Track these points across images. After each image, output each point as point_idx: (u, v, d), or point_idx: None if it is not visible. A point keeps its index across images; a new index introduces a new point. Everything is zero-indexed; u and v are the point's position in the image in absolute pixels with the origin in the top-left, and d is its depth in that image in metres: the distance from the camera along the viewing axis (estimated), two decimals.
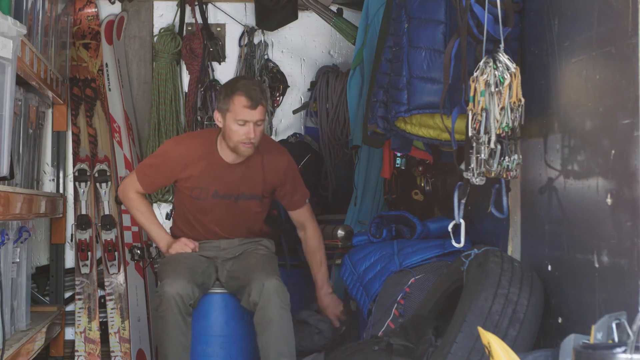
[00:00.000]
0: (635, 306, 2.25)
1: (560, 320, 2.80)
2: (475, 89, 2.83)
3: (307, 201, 4.21)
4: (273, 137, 5.37)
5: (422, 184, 4.35)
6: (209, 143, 4.01)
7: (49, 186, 5.23)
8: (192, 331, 3.84)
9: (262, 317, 3.74)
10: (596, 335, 2.14)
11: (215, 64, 5.43)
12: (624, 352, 2.04)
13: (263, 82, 5.34)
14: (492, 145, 2.82)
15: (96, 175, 5.17)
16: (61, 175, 5.24)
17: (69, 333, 5.22)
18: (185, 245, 4.02)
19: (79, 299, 5.12)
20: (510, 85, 2.80)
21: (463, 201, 3.06)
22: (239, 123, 3.82)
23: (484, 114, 2.82)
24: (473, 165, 2.87)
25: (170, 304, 3.73)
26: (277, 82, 5.40)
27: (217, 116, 3.92)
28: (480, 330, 2.33)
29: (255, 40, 5.44)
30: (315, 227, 4.21)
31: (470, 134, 2.85)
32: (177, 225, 4.19)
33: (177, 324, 3.75)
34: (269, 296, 3.72)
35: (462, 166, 2.97)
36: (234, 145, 3.89)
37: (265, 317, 3.73)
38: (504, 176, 2.88)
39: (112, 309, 5.12)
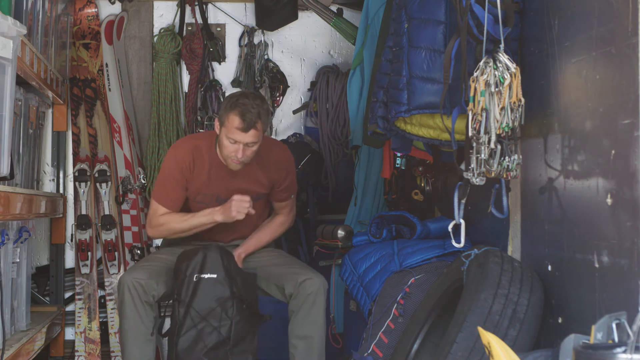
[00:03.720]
0: (635, 306, 2.25)
1: (560, 320, 2.80)
2: (475, 89, 2.83)
3: (292, 196, 4.19)
4: (273, 137, 5.36)
5: (422, 184, 4.35)
6: (209, 145, 3.99)
7: (49, 186, 5.24)
8: None
9: (295, 305, 3.81)
10: (596, 335, 2.14)
11: (215, 64, 5.43)
12: (624, 352, 2.04)
13: (263, 82, 5.35)
14: (492, 145, 2.82)
15: (96, 175, 5.17)
16: (61, 175, 5.24)
17: (69, 333, 5.22)
18: (241, 202, 3.85)
19: (79, 299, 5.12)
20: (510, 85, 2.80)
21: (463, 201, 3.06)
22: (230, 141, 3.80)
23: (484, 114, 2.81)
24: (473, 165, 2.87)
25: (126, 288, 3.73)
26: (277, 82, 5.40)
27: (216, 124, 3.89)
28: (480, 330, 2.33)
29: (255, 40, 5.44)
30: (287, 221, 4.17)
31: (470, 134, 2.85)
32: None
33: (135, 310, 3.73)
34: (314, 290, 3.78)
35: (462, 166, 2.97)
36: (224, 157, 3.89)
37: (297, 305, 3.80)
38: (504, 176, 2.87)
39: (112, 309, 5.12)
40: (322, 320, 3.83)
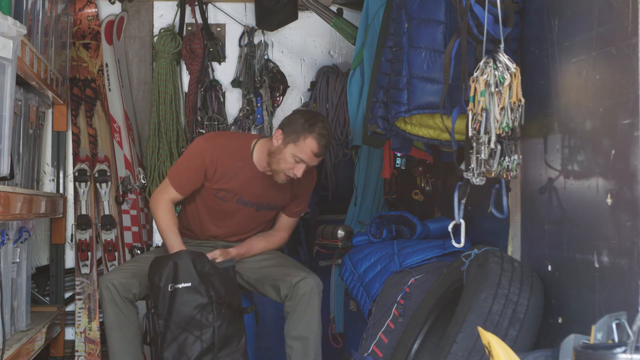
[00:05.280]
0: (635, 306, 2.25)
1: (560, 320, 2.80)
2: (475, 89, 2.83)
3: (301, 214, 4.27)
4: None
5: (422, 184, 4.36)
6: (243, 147, 4.00)
7: (49, 186, 5.24)
8: None
9: (290, 306, 3.82)
10: (596, 335, 2.14)
11: (215, 64, 5.43)
12: (624, 352, 2.04)
13: (263, 82, 5.35)
14: (492, 145, 2.82)
15: (96, 175, 5.17)
16: (61, 175, 5.24)
17: (69, 333, 5.22)
18: None
19: (79, 299, 5.12)
20: (510, 86, 2.80)
21: (463, 201, 3.06)
22: (296, 159, 3.83)
23: (484, 114, 2.81)
24: (473, 165, 2.87)
25: (104, 287, 3.78)
26: (277, 82, 5.40)
27: (279, 135, 3.87)
28: (480, 330, 2.32)
29: (255, 41, 5.44)
30: (285, 238, 4.22)
31: (470, 134, 2.84)
32: (180, 220, 4.18)
33: (115, 305, 3.78)
34: (308, 290, 3.80)
35: (462, 166, 2.97)
36: (276, 169, 3.88)
37: (292, 306, 3.81)
38: (504, 176, 2.87)
39: None
40: (318, 321, 3.82)
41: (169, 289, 3.70)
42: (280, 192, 4.04)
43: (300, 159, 3.82)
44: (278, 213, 4.19)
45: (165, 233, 3.97)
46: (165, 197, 4.00)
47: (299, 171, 3.84)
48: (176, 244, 3.92)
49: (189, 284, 3.69)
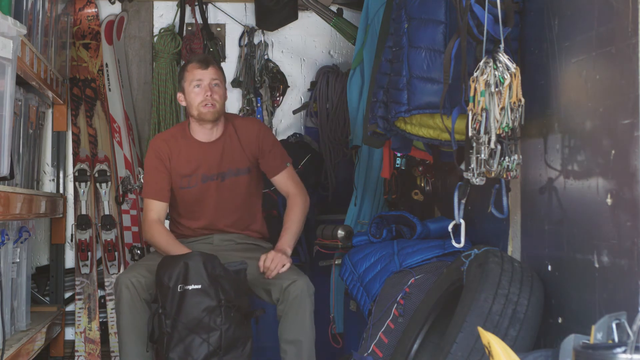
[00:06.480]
0: (635, 306, 2.25)
1: (560, 320, 2.80)
2: (475, 89, 2.83)
3: (289, 165, 4.16)
4: None
5: (422, 184, 4.35)
6: (182, 129, 4.12)
7: (49, 186, 5.24)
8: None
9: (282, 310, 3.83)
10: (596, 335, 2.14)
11: None
12: (624, 352, 2.04)
13: (263, 82, 5.35)
14: (492, 145, 2.82)
15: (96, 175, 5.17)
16: (61, 175, 5.25)
17: (69, 333, 5.22)
18: None
19: (79, 299, 5.12)
20: (510, 86, 2.80)
21: (463, 201, 3.06)
22: (195, 85, 3.95)
23: (484, 114, 2.81)
24: (473, 165, 2.87)
25: (124, 286, 3.75)
26: (277, 82, 5.40)
27: (180, 97, 4.06)
28: (480, 330, 2.32)
29: (255, 41, 5.44)
30: (299, 192, 4.14)
31: (470, 134, 2.84)
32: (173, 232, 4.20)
33: (133, 306, 3.75)
34: (299, 293, 3.79)
35: (462, 166, 2.97)
36: (197, 113, 3.98)
37: (284, 310, 3.82)
38: (504, 176, 2.87)
39: (112, 309, 5.12)
40: (310, 324, 3.81)
41: (179, 290, 3.65)
42: (234, 153, 4.06)
43: (197, 80, 3.95)
44: (257, 179, 4.16)
45: (167, 248, 3.94)
46: (151, 219, 4.02)
47: (207, 92, 3.95)
48: (182, 250, 3.91)
49: (199, 286, 3.65)
